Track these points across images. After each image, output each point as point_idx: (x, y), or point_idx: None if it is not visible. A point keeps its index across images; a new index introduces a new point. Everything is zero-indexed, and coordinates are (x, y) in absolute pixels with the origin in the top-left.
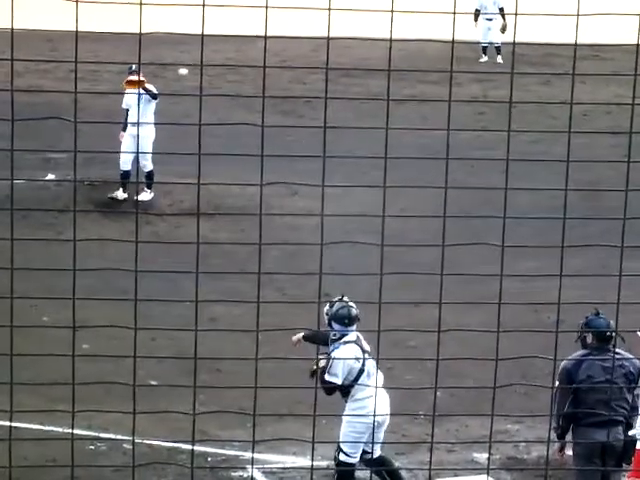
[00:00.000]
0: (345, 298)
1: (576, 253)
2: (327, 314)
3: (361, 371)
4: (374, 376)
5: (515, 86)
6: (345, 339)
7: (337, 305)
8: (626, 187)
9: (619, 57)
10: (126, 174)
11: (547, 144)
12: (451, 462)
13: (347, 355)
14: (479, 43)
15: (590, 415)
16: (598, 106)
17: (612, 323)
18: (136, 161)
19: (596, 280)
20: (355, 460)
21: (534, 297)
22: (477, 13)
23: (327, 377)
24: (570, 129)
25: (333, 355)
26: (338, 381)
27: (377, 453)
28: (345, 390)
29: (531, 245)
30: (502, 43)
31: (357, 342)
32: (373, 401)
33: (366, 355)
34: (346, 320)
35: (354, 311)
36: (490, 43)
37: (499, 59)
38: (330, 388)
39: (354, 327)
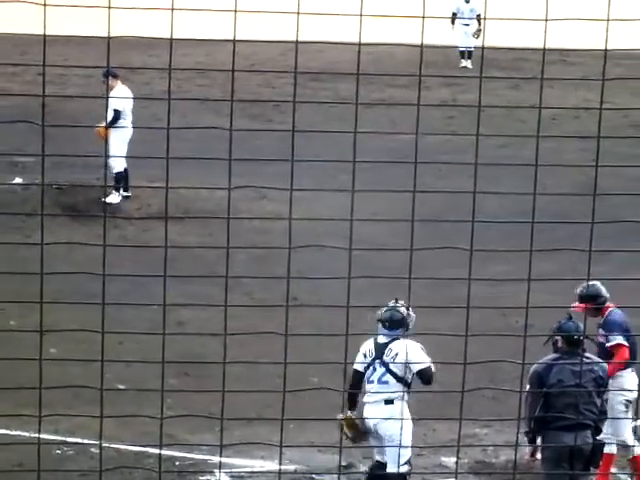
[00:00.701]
0: (400, 302)
1: (545, 257)
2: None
3: (365, 369)
4: (373, 385)
5: (484, 90)
6: (377, 337)
7: (386, 308)
8: (594, 191)
9: (587, 62)
10: (121, 175)
11: (516, 148)
12: (419, 466)
13: (362, 347)
14: (457, 47)
15: (559, 419)
16: (566, 110)
17: (581, 327)
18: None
19: (565, 284)
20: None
21: (503, 301)
22: (453, 17)
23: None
24: (539, 133)
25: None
26: (354, 366)
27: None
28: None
29: (500, 249)
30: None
31: (377, 342)
32: (365, 409)
33: (377, 362)
34: (386, 323)
35: (396, 314)
36: (463, 51)
37: (469, 64)
38: (352, 376)
39: (397, 331)
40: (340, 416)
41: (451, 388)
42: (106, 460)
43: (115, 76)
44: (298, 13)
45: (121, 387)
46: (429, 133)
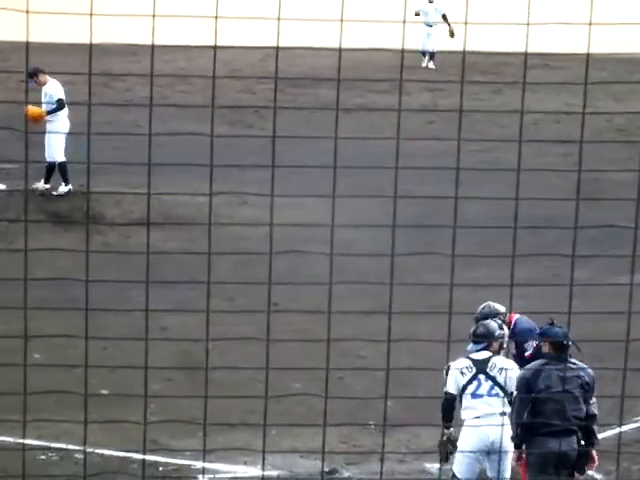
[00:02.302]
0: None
1: (527, 263)
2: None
3: (465, 386)
4: (483, 399)
5: (465, 95)
6: (469, 354)
7: (479, 324)
8: (577, 196)
9: (569, 66)
10: (65, 165)
11: (497, 153)
12: (402, 472)
13: (456, 365)
14: (419, 50)
15: (546, 425)
16: (548, 115)
17: (566, 330)
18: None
19: (547, 290)
20: None
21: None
22: (417, 14)
23: (444, 389)
24: (521, 138)
25: (451, 364)
26: (447, 388)
27: None
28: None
29: (481, 255)
30: (452, 52)
31: (470, 357)
32: (475, 423)
33: (482, 376)
34: (480, 338)
35: (481, 329)
36: (424, 51)
37: (431, 64)
38: (445, 398)
39: (484, 344)
40: (445, 436)
41: (434, 394)
42: (90, 465)
43: (42, 71)
44: (279, 19)
45: (105, 392)
46: (410, 138)
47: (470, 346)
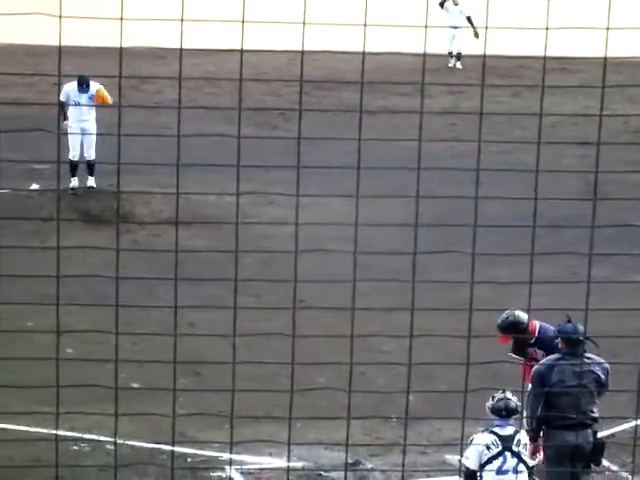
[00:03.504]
0: (507, 392)
1: (546, 261)
2: (488, 407)
3: (489, 461)
4: (508, 476)
5: (486, 98)
6: (492, 428)
7: (496, 398)
8: (594, 196)
9: (587, 69)
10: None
11: (517, 154)
12: (424, 464)
13: (481, 440)
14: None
15: (561, 418)
16: (566, 117)
17: (581, 328)
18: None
19: (565, 287)
20: None
21: (505, 303)
22: (441, 6)
23: (463, 459)
24: (539, 140)
25: (475, 439)
26: (469, 464)
27: None
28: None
29: (501, 253)
30: (473, 55)
31: (495, 431)
32: None
33: (508, 453)
34: (503, 412)
35: (512, 404)
36: (451, 52)
37: (458, 65)
38: (466, 473)
39: (512, 419)
40: None
41: (455, 388)
42: (121, 456)
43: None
44: (304, 23)
45: (135, 386)
46: (432, 140)
47: (497, 420)
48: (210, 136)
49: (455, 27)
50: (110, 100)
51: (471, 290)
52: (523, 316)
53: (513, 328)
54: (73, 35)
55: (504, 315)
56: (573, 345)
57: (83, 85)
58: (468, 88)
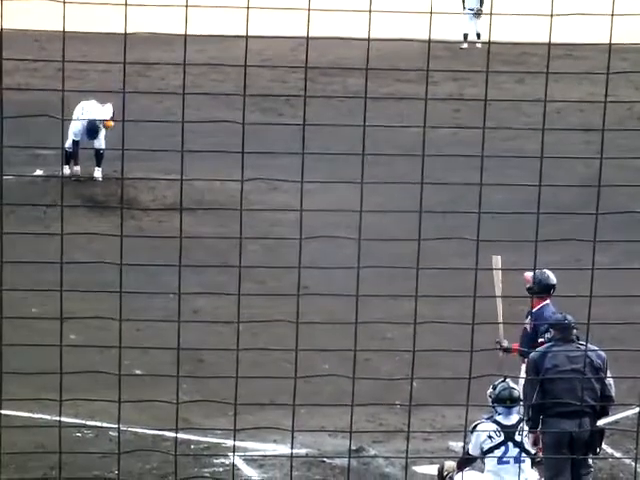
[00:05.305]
0: (508, 380)
1: (550, 247)
2: (490, 396)
3: (491, 450)
4: (510, 465)
5: (490, 84)
6: (495, 416)
7: (499, 387)
8: (599, 183)
9: (592, 56)
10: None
11: (521, 141)
12: (427, 450)
13: (484, 428)
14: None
15: (557, 405)
16: (571, 104)
17: (569, 316)
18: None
19: (569, 274)
20: None
21: (509, 290)
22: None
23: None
24: (544, 126)
25: (478, 426)
26: (470, 450)
27: None
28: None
29: (505, 240)
30: (477, 41)
31: (497, 420)
32: None
33: (510, 443)
34: (507, 402)
35: (515, 392)
36: (466, 34)
37: (478, 44)
38: (466, 458)
39: (516, 408)
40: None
41: (458, 375)
42: (124, 443)
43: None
44: (309, 10)
45: (138, 373)
46: (436, 126)
47: (500, 409)
48: (215, 122)
49: (472, 9)
50: (112, 124)
51: (475, 277)
52: (552, 276)
53: (549, 290)
54: (77, 21)
55: (538, 275)
56: (562, 330)
57: (92, 132)
58: (472, 75)
